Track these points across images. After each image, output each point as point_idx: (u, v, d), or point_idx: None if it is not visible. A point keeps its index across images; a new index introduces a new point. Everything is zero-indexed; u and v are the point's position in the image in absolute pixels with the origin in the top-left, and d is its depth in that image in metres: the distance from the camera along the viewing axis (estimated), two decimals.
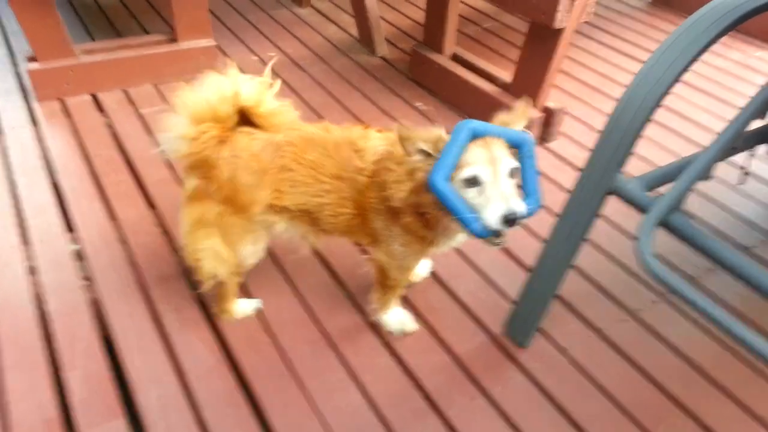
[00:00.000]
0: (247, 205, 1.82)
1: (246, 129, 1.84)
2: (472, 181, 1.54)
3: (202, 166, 1.81)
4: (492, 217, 1.52)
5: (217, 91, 1.76)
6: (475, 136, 1.57)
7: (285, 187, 1.82)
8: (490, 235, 1.58)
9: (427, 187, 1.58)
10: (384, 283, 1.99)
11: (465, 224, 1.55)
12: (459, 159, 1.55)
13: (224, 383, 1.92)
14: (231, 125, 1.82)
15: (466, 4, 4.57)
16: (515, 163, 1.58)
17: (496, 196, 1.52)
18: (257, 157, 1.79)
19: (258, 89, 1.81)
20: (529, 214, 1.57)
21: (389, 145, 1.76)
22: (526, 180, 1.63)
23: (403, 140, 1.60)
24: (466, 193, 1.56)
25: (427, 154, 1.60)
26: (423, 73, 3.59)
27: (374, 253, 1.96)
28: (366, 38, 3.99)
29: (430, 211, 1.69)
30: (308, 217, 1.88)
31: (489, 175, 1.54)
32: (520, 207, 1.51)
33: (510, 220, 1.50)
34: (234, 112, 1.80)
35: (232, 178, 1.78)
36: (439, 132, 1.62)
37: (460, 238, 1.85)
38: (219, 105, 1.76)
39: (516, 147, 1.62)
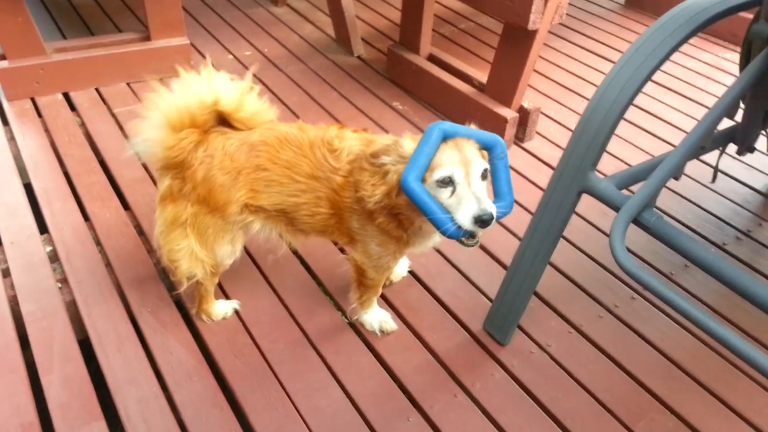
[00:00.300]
0: (222, 205, 1.81)
1: (220, 129, 1.83)
2: (445, 182, 1.57)
3: (176, 166, 1.80)
4: (464, 218, 1.54)
5: (195, 96, 1.75)
6: (446, 137, 1.60)
7: (260, 187, 1.81)
8: (463, 236, 1.60)
9: (400, 189, 1.60)
10: (362, 282, 2.00)
11: (437, 225, 1.57)
12: (431, 160, 1.57)
13: (204, 385, 1.91)
14: (208, 128, 1.82)
15: (442, 5, 4.60)
16: (486, 165, 1.61)
17: (468, 197, 1.55)
18: (232, 157, 1.78)
19: (239, 94, 1.80)
20: (501, 215, 1.60)
21: (364, 146, 1.77)
22: (498, 182, 1.66)
23: (369, 159, 1.68)
24: (439, 193, 1.58)
25: (399, 156, 1.63)
26: (399, 73, 3.61)
27: (352, 252, 1.96)
28: (342, 38, 3.99)
29: (403, 212, 1.71)
30: (284, 216, 1.88)
31: (461, 176, 1.56)
32: (491, 208, 1.54)
33: (482, 221, 1.52)
34: (212, 117, 1.80)
35: (206, 178, 1.77)
36: (393, 138, 1.68)
37: (437, 239, 1.87)
38: (198, 111, 1.75)
39: (487, 149, 1.65)
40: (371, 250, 1.87)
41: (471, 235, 1.60)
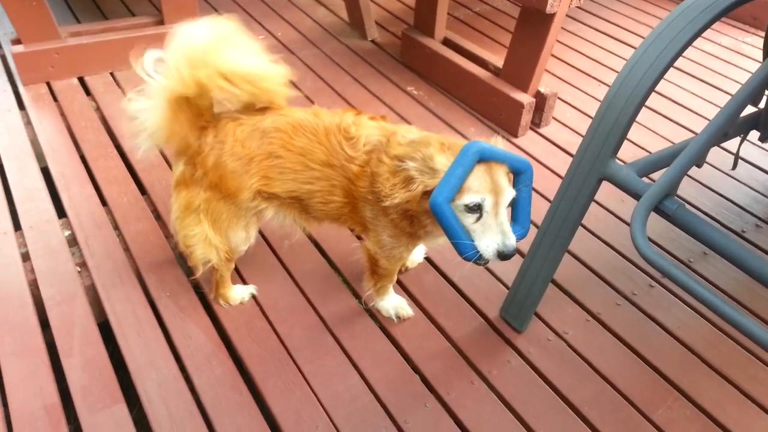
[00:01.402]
0: (234, 192, 1.80)
1: (231, 114, 1.81)
2: (473, 209, 1.56)
3: (187, 151, 1.80)
4: (487, 249, 1.56)
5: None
6: (482, 158, 1.56)
7: (273, 174, 1.80)
8: (478, 260, 1.60)
9: (422, 198, 1.59)
10: (375, 271, 1.99)
11: (459, 250, 1.58)
12: (463, 182, 1.55)
13: (223, 369, 1.92)
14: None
15: None
16: (514, 193, 1.61)
17: (493, 228, 1.55)
18: (243, 143, 1.77)
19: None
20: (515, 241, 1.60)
21: (383, 136, 1.74)
22: (518, 207, 1.65)
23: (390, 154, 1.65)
24: (464, 217, 1.57)
25: (427, 167, 1.58)
26: (414, 58, 3.58)
27: (365, 241, 1.96)
28: (356, 22, 3.95)
29: (418, 217, 1.71)
30: (298, 203, 1.87)
31: (490, 205, 1.55)
32: (513, 241, 1.56)
33: (504, 256, 1.55)
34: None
35: (217, 164, 1.77)
36: (416, 131, 1.66)
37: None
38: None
39: (516, 173, 1.64)
40: (384, 241, 1.87)
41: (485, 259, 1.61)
